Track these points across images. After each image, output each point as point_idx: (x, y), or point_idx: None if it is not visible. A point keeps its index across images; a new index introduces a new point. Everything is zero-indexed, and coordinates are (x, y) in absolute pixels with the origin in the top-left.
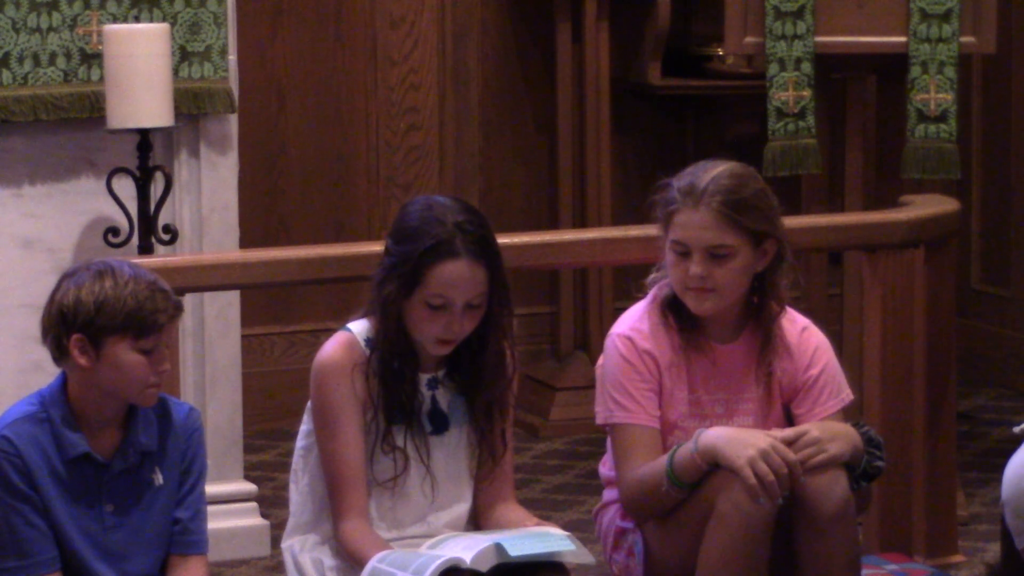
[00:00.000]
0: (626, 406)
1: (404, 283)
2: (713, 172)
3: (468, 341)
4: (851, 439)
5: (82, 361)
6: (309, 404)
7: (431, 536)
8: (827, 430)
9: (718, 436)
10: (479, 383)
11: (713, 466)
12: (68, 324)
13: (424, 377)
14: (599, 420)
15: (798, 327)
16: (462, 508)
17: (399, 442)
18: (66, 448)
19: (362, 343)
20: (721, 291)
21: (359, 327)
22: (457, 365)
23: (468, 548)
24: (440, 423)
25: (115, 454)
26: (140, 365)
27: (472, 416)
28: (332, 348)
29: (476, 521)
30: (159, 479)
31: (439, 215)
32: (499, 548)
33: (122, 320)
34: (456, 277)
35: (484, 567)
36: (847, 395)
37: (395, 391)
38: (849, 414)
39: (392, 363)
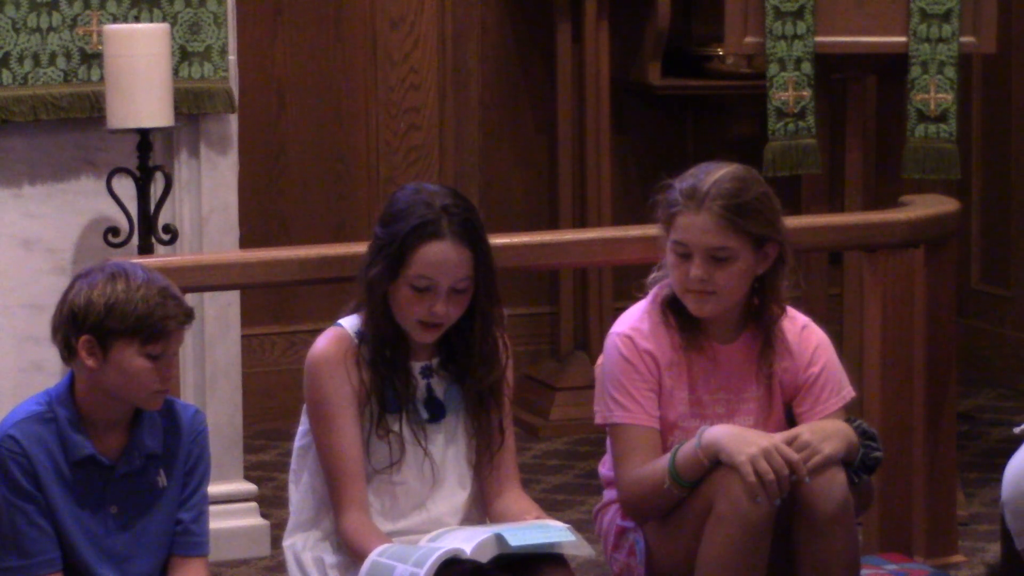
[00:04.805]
0: (626, 406)
1: (389, 264)
2: (716, 175)
3: (459, 329)
4: (844, 436)
5: (89, 363)
6: (305, 403)
7: (431, 524)
8: (818, 431)
9: (721, 432)
10: (472, 372)
11: (715, 462)
12: (78, 324)
13: (417, 365)
14: (598, 420)
15: (798, 325)
16: (462, 495)
17: (395, 429)
18: (71, 449)
19: (353, 335)
20: (721, 294)
21: (349, 322)
22: (451, 354)
23: (468, 539)
24: (436, 411)
25: (120, 456)
26: (146, 370)
27: (467, 404)
28: (324, 343)
29: (482, 511)
30: (164, 481)
31: (426, 198)
32: (499, 538)
33: (131, 324)
34: (441, 258)
35: (484, 558)
36: (848, 392)
37: (388, 379)
38: (849, 413)
39: (383, 351)
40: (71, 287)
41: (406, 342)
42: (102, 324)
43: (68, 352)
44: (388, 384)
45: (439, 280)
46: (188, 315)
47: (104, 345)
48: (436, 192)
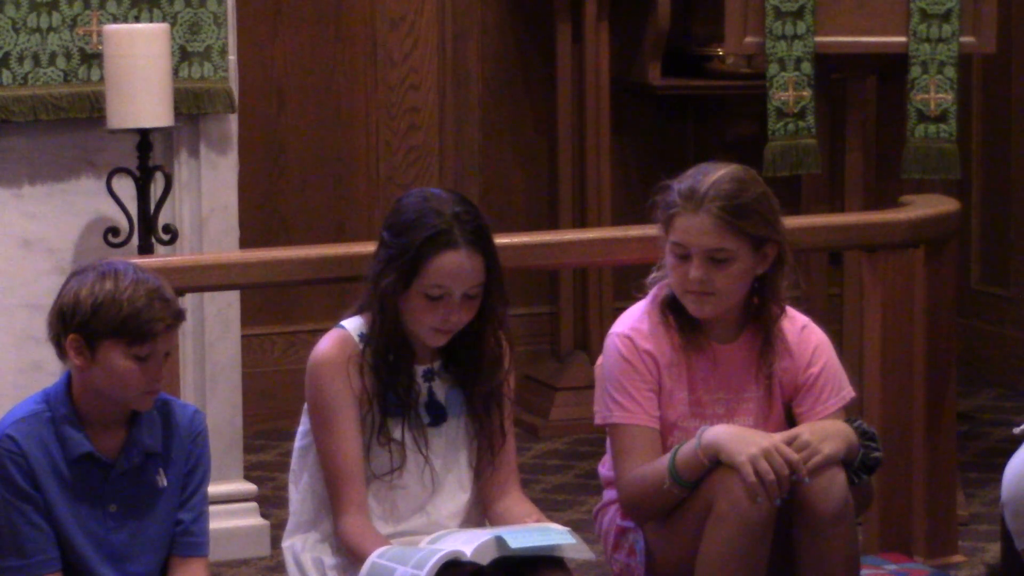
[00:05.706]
0: (625, 406)
1: (402, 275)
2: (714, 176)
3: (464, 332)
4: (844, 436)
5: (77, 362)
6: (307, 405)
7: (431, 527)
8: (818, 431)
9: (721, 432)
10: (476, 374)
11: (715, 462)
12: (66, 323)
13: (420, 369)
14: (598, 420)
15: (798, 325)
16: (462, 499)
17: (396, 435)
18: (70, 447)
19: (356, 338)
20: (721, 295)
21: (352, 323)
22: (453, 356)
23: (468, 542)
24: (438, 414)
25: (119, 454)
26: (133, 371)
27: (469, 407)
28: (326, 345)
29: (482, 513)
30: (163, 481)
31: (436, 206)
32: (499, 540)
33: (117, 325)
34: (455, 267)
35: (484, 560)
36: (848, 392)
37: (391, 384)
38: (849, 413)
39: (387, 356)
40: (65, 285)
41: (410, 346)
42: (88, 324)
43: (60, 350)
44: (390, 388)
45: (453, 289)
46: (177, 317)
47: (91, 345)
48: (444, 199)
